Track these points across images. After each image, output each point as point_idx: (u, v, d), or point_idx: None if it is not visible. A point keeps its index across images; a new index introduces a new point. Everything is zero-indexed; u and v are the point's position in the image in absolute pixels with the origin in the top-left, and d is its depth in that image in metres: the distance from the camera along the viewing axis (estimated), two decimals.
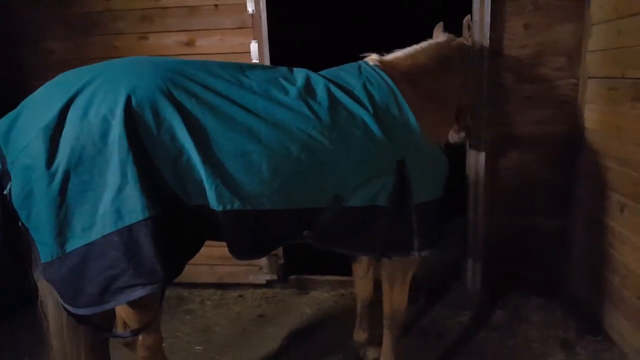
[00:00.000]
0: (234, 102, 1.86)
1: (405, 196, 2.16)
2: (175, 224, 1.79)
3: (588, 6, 3.30)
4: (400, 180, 2.14)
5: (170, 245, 1.77)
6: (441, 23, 2.97)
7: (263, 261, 3.92)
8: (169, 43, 3.66)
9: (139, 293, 1.74)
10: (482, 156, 3.56)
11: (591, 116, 3.30)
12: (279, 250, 3.92)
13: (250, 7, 3.49)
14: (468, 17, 3.00)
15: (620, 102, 2.91)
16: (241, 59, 3.47)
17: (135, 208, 1.68)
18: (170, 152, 1.75)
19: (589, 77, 3.30)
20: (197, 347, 3.21)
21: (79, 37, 3.73)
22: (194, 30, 3.63)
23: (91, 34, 3.72)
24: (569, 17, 3.35)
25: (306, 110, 1.97)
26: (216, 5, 3.57)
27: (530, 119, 3.50)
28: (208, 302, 3.83)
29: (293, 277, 4.00)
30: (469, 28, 2.99)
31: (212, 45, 3.63)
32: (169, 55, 3.59)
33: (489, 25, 3.35)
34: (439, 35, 2.89)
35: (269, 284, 4.00)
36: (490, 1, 3.33)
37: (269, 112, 1.90)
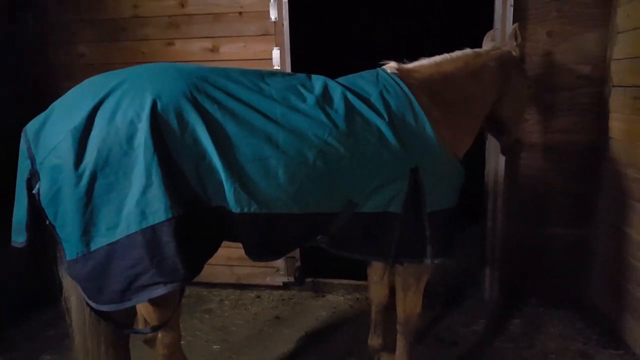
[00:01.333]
0: (253, 108, 1.92)
1: (419, 203, 2.18)
2: (196, 224, 1.85)
3: (614, 14, 3.26)
4: (414, 187, 2.16)
5: (191, 245, 1.83)
6: (491, 31, 2.92)
7: (280, 263, 3.97)
8: (194, 49, 3.76)
9: (160, 291, 1.80)
10: (501, 164, 3.54)
11: (616, 125, 3.25)
12: (296, 253, 3.97)
13: (273, 15, 3.56)
14: (515, 25, 2.87)
15: None
16: (263, 66, 3.54)
17: (159, 209, 1.74)
18: (193, 155, 1.81)
19: (614, 86, 3.26)
20: (215, 346, 3.28)
21: (108, 42, 3.86)
22: (218, 36, 3.72)
23: (119, 39, 3.85)
24: (594, 24, 3.32)
25: (323, 118, 2.02)
26: (240, 13, 3.65)
27: (552, 127, 3.47)
28: (226, 302, 3.90)
29: (309, 280, 4.04)
30: (517, 37, 2.83)
31: (235, 52, 3.71)
32: (193, 61, 3.68)
33: None
34: (487, 44, 2.86)
35: (285, 286, 4.04)
36: (512, 8, 3.32)
37: (287, 119, 1.96)
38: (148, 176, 1.73)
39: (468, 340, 3.28)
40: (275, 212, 1.94)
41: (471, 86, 2.55)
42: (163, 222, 1.74)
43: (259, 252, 2.04)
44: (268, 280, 4.02)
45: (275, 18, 3.57)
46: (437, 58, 2.58)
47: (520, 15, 3.36)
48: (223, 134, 1.84)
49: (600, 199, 3.48)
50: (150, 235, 1.75)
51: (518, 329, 3.39)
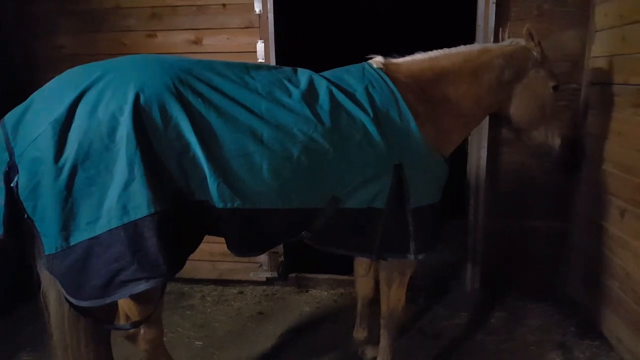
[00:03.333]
0: (238, 102, 1.91)
1: (402, 199, 2.20)
2: (178, 219, 1.84)
3: (592, 13, 3.32)
4: (398, 183, 2.17)
5: (173, 240, 1.81)
6: (500, 29, 2.81)
7: (263, 259, 3.96)
8: (177, 41, 3.71)
9: (142, 286, 1.78)
10: (483, 159, 3.58)
11: (593, 122, 3.32)
12: (280, 248, 3.96)
13: (258, 8, 3.54)
14: (529, 25, 2.64)
15: (623, 109, 2.93)
16: (247, 58, 3.51)
17: (141, 203, 1.72)
18: (176, 149, 1.79)
19: (592, 83, 3.32)
20: (197, 342, 3.25)
21: (89, 33, 3.78)
22: (201, 28, 3.68)
23: (101, 30, 3.77)
24: (573, 23, 3.38)
25: (308, 113, 2.02)
26: (224, 5, 3.61)
27: None
28: (208, 298, 3.88)
29: (293, 275, 4.04)
30: (532, 37, 2.61)
31: (219, 44, 3.68)
32: (176, 53, 3.63)
33: (493, 30, 3.37)
34: (504, 40, 2.75)
35: (269, 282, 4.04)
36: (494, 6, 3.36)
37: (271, 114, 1.95)
38: (130, 170, 1.71)
39: (450, 333, 3.33)
40: (259, 208, 1.93)
41: (466, 83, 2.49)
42: (145, 217, 1.72)
43: (242, 247, 2.03)
44: (251, 276, 4.01)
45: (260, 11, 3.54)
46: (433, 52, 2.54)
47: (502, 13, 3.40)
48: (207, 128, 1.82)
49: (578, 194, 3.56)
50: (132, 230, 1.72)
51: (499, 322, 3.46)
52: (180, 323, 3.50)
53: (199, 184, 1.84)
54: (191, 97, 1.83)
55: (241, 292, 3.97)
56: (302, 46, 4.92)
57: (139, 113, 1.73)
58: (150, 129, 1.75)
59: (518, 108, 2.63)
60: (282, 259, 4.00)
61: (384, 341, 2.66)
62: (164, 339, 3.15)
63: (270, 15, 3.54)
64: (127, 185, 1.71)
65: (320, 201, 2.08)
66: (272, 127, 1.92)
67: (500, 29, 2.73)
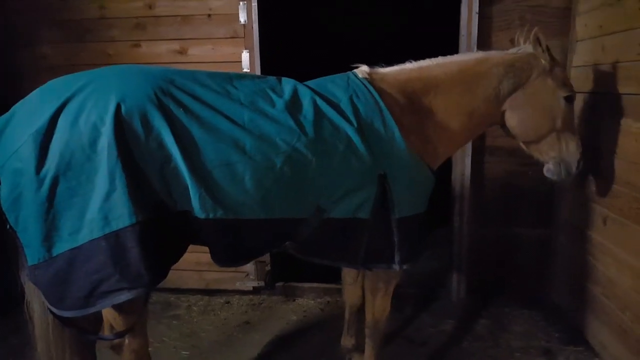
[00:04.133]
0: (220, 112, 1.91)
1: (387, 210, 2.19)
2: (161, 229, 1.84)
3: (573, 23, 3.39)
4: (382, 193, 2.17)
5: (155, 250, 1.82)
6: (517, 33, 2.63)
7: (250, 268, 3.95)
8: (161, 51, 3.71)
9: (124, 297, 1.79)
10: (467, 167, 3.62)
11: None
12: (266, 257, 3.96)
13: (243, 18, 3.56)
14: (537, 29, 2.47)
15: (603, 117, 2.98)
16: (232, 68, 3.52)
17: (122, 214, 1.72)
18: (157, 160, 1.80)
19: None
20: (183, 352, 3.23)
21: (73, 43, 3.77)
22: (186, 39, 3.68)
23: (84, 41, 3.76)
24: (555, 33, 3.44)
25: (292, 123, 2.02)
26: (209, 15, 3.63)
27: None
28: (195, 308, 3.85)
29: (280, 284, 4.03)
30: (540, 42, 2.46)
31: (204, 54, 3.69)
32: (161, 63, 3.64)
33: (475, 40, 3.43)
34: (519, 45, 2.60)
35: (255, 291, 4.02)
36: (477, 16, 3.41)
37: (254, 124, 1.95)
38: (111, 181, 1.71)
39: (436, 340, 3.34)
40: (242, 218, 1.93)
41: (458, 94, 2.40)
42: (127, 227, 1.72)
43: (225, 257, 2.03)
44: (238, 285, 3.99)
45: (245, 21, 3.56)
46: (425, 62, 2.48)
47: (485, 23, 3.46)
48: (188, 138, 1.83)
49: (561, 201, 3.60)
50: (114, 240, 1.73)
51: (484, 329, 3.48)
52: (167, 333, 3.47)
53: (181, 194, 1.84)
54: (173, 107, 1.83)
55: (228, 302, 3.95)
56: (287, 56, 4.94)
57: (120, 123, 1.73)
58: (132, 140, 1.75)
59: (521, 121, 2.50)
60: (268, 268, 3.99)
61: (368, 350, 2.66)
62: (150, 349, 3.11)
63: (255, 26, 3.56)
64: (108, 195, 1.71)
65: (304, 211, 2.09)
66: (254, 137, 1.93)
67: (517, 34, 2.53)
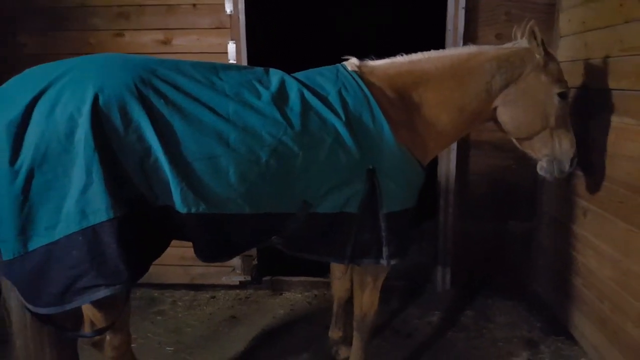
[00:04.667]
0: (204, 104, 1.86)
1: (375, 204, 2.16)
2: (140, 224, 1.80)
3: (557, 19, 3.41)
4: (371, 188, 2.14)
5: (135, 245, 1.77)
6: (515, 27, 2.57)
7: (236, 262, 3.91)
8: (145, 41, 3.64)
9: (101, 293, 1.74)
10: (452, 162, 3.63)
11: None
12: (253, 252, 3.92)
13: (229, 8, 3.50)
14: (532, 22, 2.43)
15: (585, 112, 3.00)
16: (218, 59, 3.46)
17: (99, 208, 1.68)
18: (137, 153, 1.75)
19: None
20: (168, 348, 3.19)
21: (53, 32, 3.67)
22: (171, 28, 3.61)
23: (65, 29, 3.66)
24: (540, 28, 3.38)
25: (278, 116, 1.97)
26: (194, 5, 3.56)
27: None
28: (180, 303, 3.81)
29: (267, 278, 4.01)
30: (535, 36, 2.42)
31: (189, 45, 3.62)
32: (145, 53, 3.55)
33: (462, 34, 3.43)
34: (516, 38, 2.56)
35: (242, 285, 3.99)
36: (464, 11, 3.41)
37: (239, 116, 1.90)
38: (88, 174, 1.66)
39: (422, 332, 3.37)
40: (226, 213, 1.89)
41: (449, 89, 2.37)
42: (104, 222, 1.68)
43: (208, 253, 2.00)
44: (224, 280, 3.96)
45: (231, 11, 3.51)
46: (416, 55, 2.43)
47: (471, 17, 3.45)
48: (169, 131, 1.78)
49: (544, 194, 3.64)
50: (91, 235, 1.68)
51: (469, 320, 3.51)
52: (151, 329, 3.43)
53: (162, 188, 1.80)
54: (153, 99, 1.78)
55: (213, 297, 3.92)
56: (274, 47, 4.90)
57: (97, 115, 1.68)
58: (110, 132, 1.71)
59: (513, 117, 2.47)
60: (255, 262, 3.96)
61: (356, 344, 2.65)
62: (134, 345, 3.09)
63: (242, 16, 3.51)
64: (85, 189, 1.67)
65: (290, 206, 2.05)
66: (239, 130, 1.88)
67: (533, 29, 2.43)
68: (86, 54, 2.16)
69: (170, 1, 3.57)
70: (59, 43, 3.67)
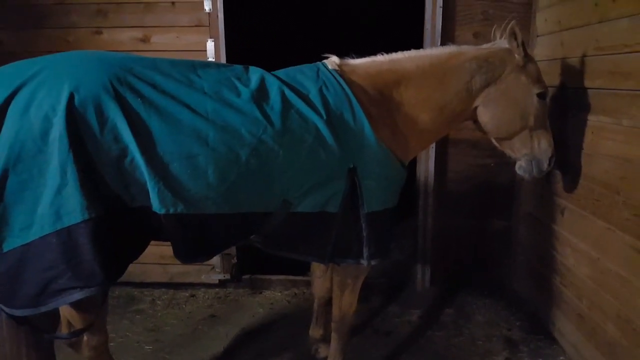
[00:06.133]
0: (181, 102, 1.85)
1: (356, 204, 2.16)
2: (116, 226, 1.78)
3: (534, 18, 3.47)
4: (351, 187, 2.14)
5: (111, 246, 1.76)
6: (495, 27, 2.62)
7: (216, 261, 3.90)
8: (123, 39, 3.60)
9: (77, 296, 1.73)
10: (431, 160, 3.67)
11: None
12: (232, 250, 3.90)
13: (207, 6, 3.48)
14: (513, 23, 2.46)
15: (562, 110, 3.06)
16: (197, 57, 3.44)
17: (74, 209, 1.66)
18: (113, 153, 1.73)
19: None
20: (146, 347, 3.17)
21: (29, 29, 3.61)
22: (149, 26, 3.58)
23: (42, 27, 3.60)
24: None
25: (258, 114, 1.96)
26: (173, 3, 3.54)
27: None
28: (159, 302, 3.78)
29: (246, 276, 4.00)
30: (516, 37, 2.43)
31: (168, 43, 3.60)
32: (123, 51, 3.51)
33: (440, 33, 3.46)
34: (495, 39, 2.59)
35: (221, 284, 3.98)
36: (441, 10, 3.44)
37: (218, 115, 1.89)
38: (63, 175, 1.65)
39: (401, 330, 3.39)
40: (204, 213, 1.88)
41: (429, 88, 2.38)
42: (79, 223, 1.66)
43: (187, 253, 1.98)
44: (203, 278, 3.94)
45: (210, 9, 3.49)
46: (397, 54, 2.44)
47: (448, 16, 3.49)
48: (146, 130, 1.76)
49: (522, 192, 3.70)
50: (66, 237, 1.67)
51: (448, 318, 3.55)
52: (130, 327, 3.40)
53: (139, 188, 1.79)
54: (130, 98, 1.77)
55: (193, 295, 3.89)
56: (253, 45, 4.88)
57: (72, 114, 1.67)
58: (85, 132, 1.69)
59: (493, 117, 2.49)
60: (234, 260, 3.95)
61: (334, 344, 2.66)
62: (112, 344, 3.05)
63: (220, 14, 3.49)
64: (59, 190, 1.65)
65: (270, 205, 2.05)
66: (218, 129, 1.87)
67: (514, 29, 2.44)
68: (64, 51, 2.12)
69: None
70: (37, 40, 3.61)
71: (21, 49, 3.61)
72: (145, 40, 3.60)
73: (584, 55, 2.80)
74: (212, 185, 1.86)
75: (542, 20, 3.36)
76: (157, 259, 3.77)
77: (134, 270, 3.81)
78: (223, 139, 1.87)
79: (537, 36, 3.42)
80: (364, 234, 2.20)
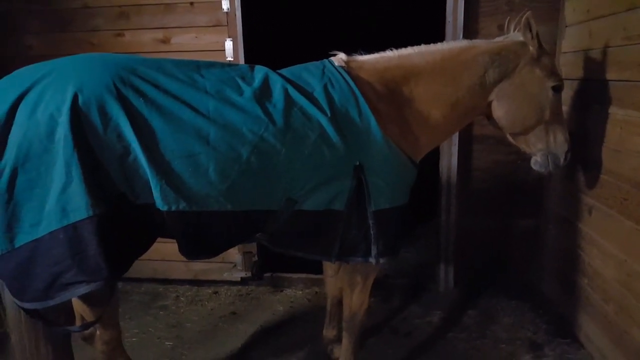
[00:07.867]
0: (183, 102, 1.87)
1: (363, 202, 2.13)
2: (121, 222, 1.82)
3: (562, 8, 3.31)
4: (358, 185, 2.11)
5: (116, 242, 1.79)
6: (508, 19, 2.55)
7: (238, 258, 3.94)
8: (144, 40, 3.68)
9: (82, 290, 1.77)
10: (454, 157, 3.57)
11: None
12: (254, 248, 3.94)
13: (226, 6, 3.51)
14: (528, 13, 2.37)
15: (590, 105, 2.91)
16: (216, 57, 3.49)
17: (79, 206, 1.70)
18: (116, 151, 1.77)
19: (563, 79, 3.30)
20: (167, 343, 3.23)
21: (56, 34, 3.75)
22: (169, 27, 3.65)
23: (68, 31, 3.74)
24: (544, 18, 3.35)
25: (259, 112, 1.96)
26: (192, 3, 3.59)
27: None
28: (182, 299, 3.85)
29: (268, 274, 4.02)
30: (530, 28, 2.37)
31: (187, 43, 3.65)
32: (144, 52, 3.61)
33: (462, 26, 3.36)
34: (509, 31, 2.51)
35: (243, 282, 4.01)
36: (463, 2, 3.33)
37: (219, 113, 1.90)
38: (68, 173, 1.69)
39: (422, 331, 3.32)
40: (207, 210, 1.89)
41: (440, 84, 2.33)
42: (84, 219, 1.70)
43: (191, 250, 2.00)
44: (225, 276, 3.99)
45: (228, 9, 3.52)
46: (406, 50, 2.39)
47: (471, 8, 3.38)
48: (148, 129, 1.79)
49: (550, 191, 3.54)
50: (72, 233, 1.71)
51: (471, 320, 3.44)
52: (153, 323, 3.48)
53: (142, 186, 1.82)
54: (132, 98, 1.80)
55: (216, 292, 3.95)
56: (272, 44, 4.89)
57: (76, 114, 1.71)
58: (89, 131, 1.73)
59: (508, 111, 2.43)
60: (256, 258, 3.97)
61: (346, 343, 2.63)
62: (134, 339, 3.14)
63: (238, 13, 3.51)
64: (65, 187, 1.70)
65: (273, 203, 2.04)
66: (219, 127, 1.88)
67: (507, 19, 2.40)
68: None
69: (169, 0, 3.60)
70: (64, 44, 3.75)
71: (49, 52, 3.73)
72: (165, 41, 3.68)
73: (613, 46, 2.64)
74: (214, 183, 1.87)
75: (571, 10, 3.20)
76: (180, 256, 3.82)
77: (160, 267, 3.92)
78: (224, 138, 1.88)
79: (566, 26, 3.26)
80: (372, 232, 2.16)
